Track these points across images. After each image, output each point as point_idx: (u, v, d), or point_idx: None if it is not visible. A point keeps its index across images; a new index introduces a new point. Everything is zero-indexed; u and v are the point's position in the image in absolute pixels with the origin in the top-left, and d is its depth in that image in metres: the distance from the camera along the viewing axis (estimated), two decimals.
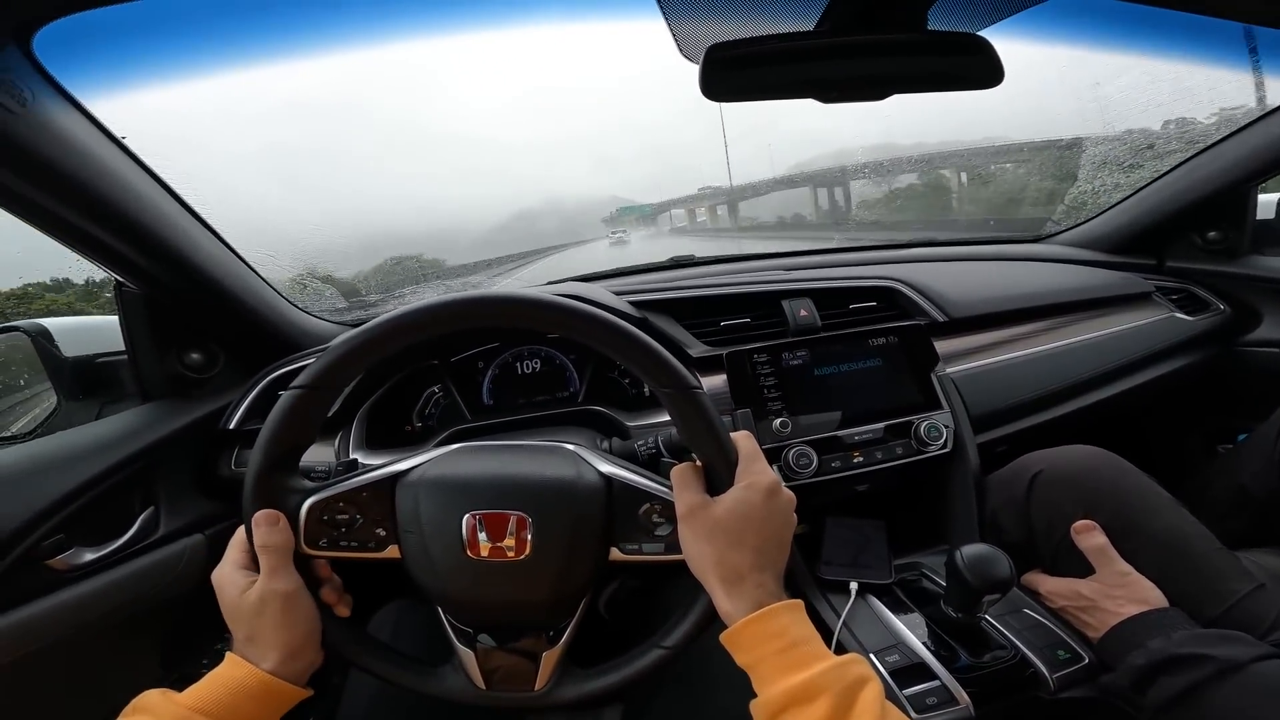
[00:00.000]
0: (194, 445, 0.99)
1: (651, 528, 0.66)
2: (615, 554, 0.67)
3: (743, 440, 0.65)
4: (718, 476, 0.63)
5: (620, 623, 1.12)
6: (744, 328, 1.16)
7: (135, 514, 0.91)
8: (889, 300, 1.25)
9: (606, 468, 0.68)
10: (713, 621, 0.62)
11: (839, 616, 0.90)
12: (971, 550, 0.78)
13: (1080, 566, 0.88)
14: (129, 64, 0.77)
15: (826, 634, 0.88)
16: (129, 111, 0.80)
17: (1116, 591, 0.83)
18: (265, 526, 0.64)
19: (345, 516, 0.66)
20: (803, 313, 1.16)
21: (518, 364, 1.16)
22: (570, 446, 0.71)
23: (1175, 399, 1.49)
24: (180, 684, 0.61)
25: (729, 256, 1.52)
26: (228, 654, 0.63)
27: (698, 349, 1.11)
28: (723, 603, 0.60)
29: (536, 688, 0.69)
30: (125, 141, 0.80)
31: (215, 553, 0.67)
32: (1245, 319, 1.48)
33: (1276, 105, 1.28)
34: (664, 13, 0.85)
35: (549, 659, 0.69)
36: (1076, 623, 0.86)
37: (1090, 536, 0.88)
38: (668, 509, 0.65)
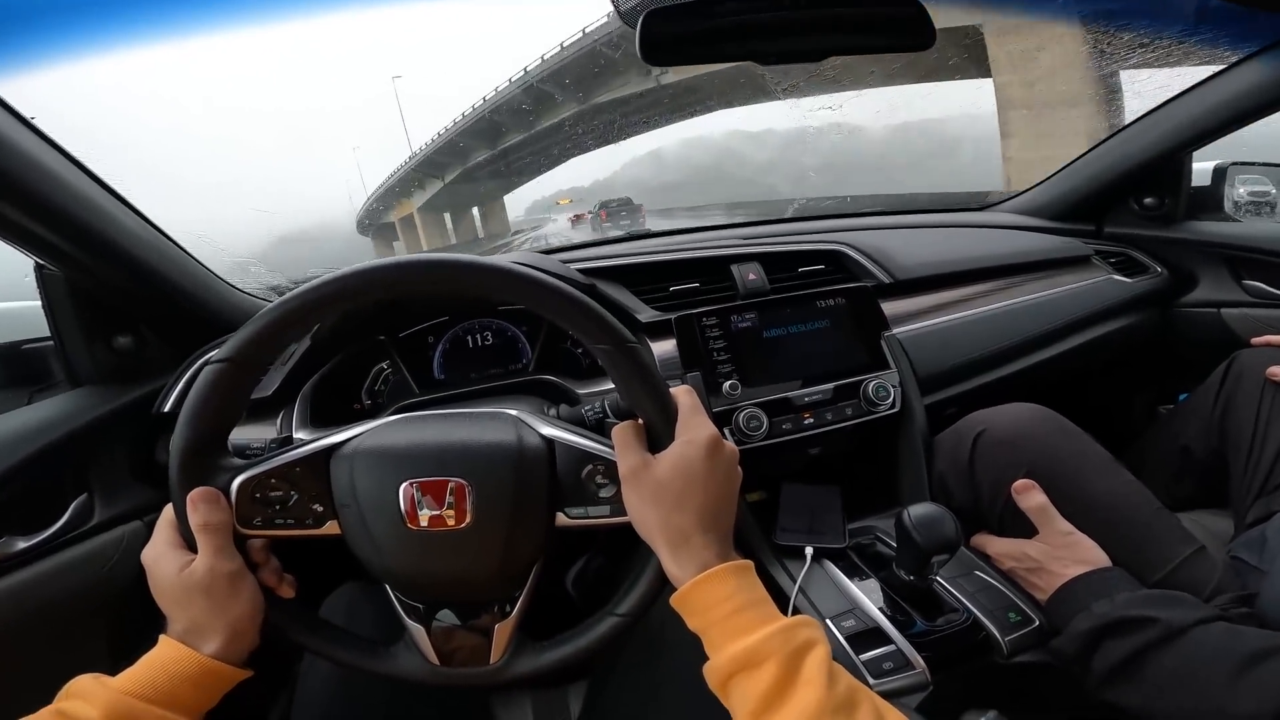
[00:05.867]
0: (127, 431, 0.96)
1: (596, 490, 0.65)
2: (562, 519, 0.65)
3: (682, 395, 0.64)
4: (658, 433, 0.62)
5: (588, 600, 1.12)
6: (693, 293, 1.16)
7: (68, 501, 0.88)
8: (836, 263, 1.26)
9: (548, 430, 0.66)
10: (665, 585, 0.61)
11: (795, 582, 0.91)
12: (918, 510, 0.79)
13: (1026, 527, 0.89)
14: (33, 42, 0.75)
15: (783, 600, 0.89)
16: (37, 90, 0.77)
17: (1061, 552, 0.84)
18: (205, 504, 0.61)
19: (279, 493, 0.64)
20: (751, 276, 1.16)
21: (469, 337, 1.14)
22: (511, 411, 0.69)
23: (1117, 361, 1.53)
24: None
25: (684, 229, 1.52)
26: (162, 637, 0.60)
27: (647, 314, 1.11)
28: (670, 565, 0.59)
29: (491, 662, 0.68)
30: (34, 121, 0.77)
31: None
32: (1182, 282, 1.52)
33: (1208, 75, 1.31)
34: None
35: (502, 632, 0.68)
36: (1025, 584, 0.87)
37: (1030, 496, 0.88)
38: (611, 469, 0.63)
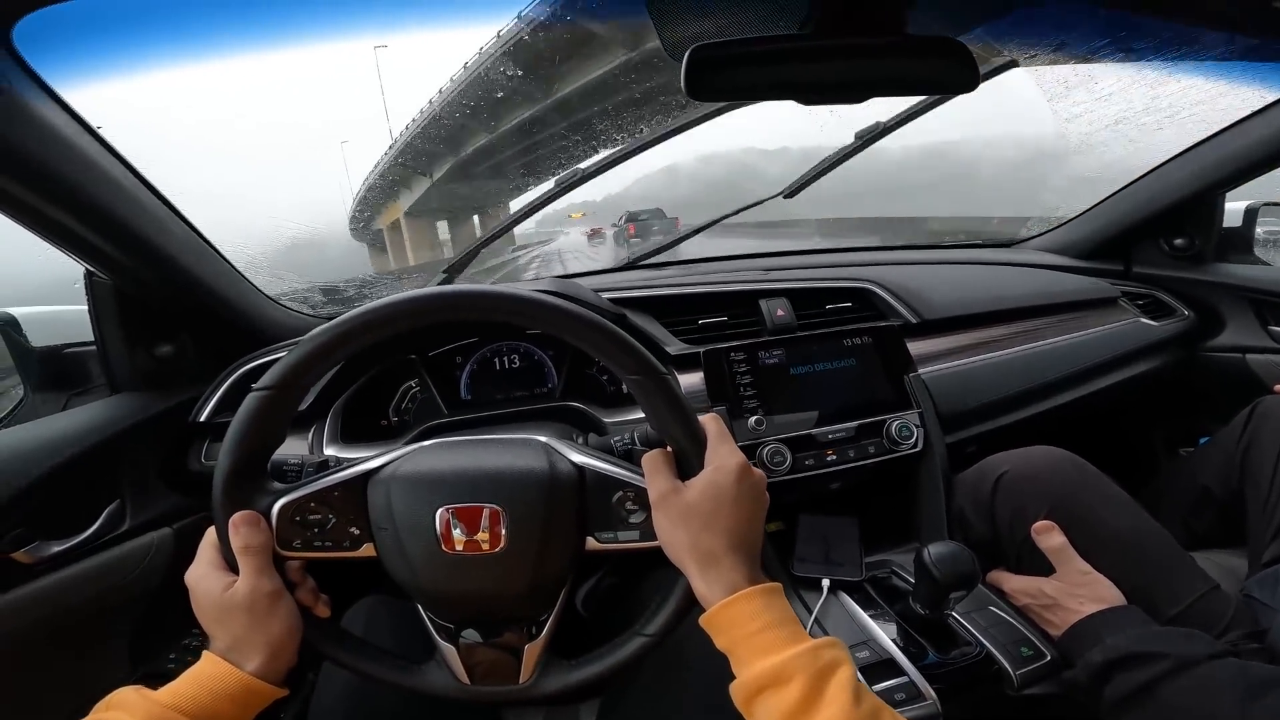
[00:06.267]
0: (162, 438, 0.97)
1: (626, 515, 0.66)
2: (591, 543, 0.67)
3: (710, 423, 0.65)
4: (687, 460, 0.64)
5: (598, 619, 1.13)
6: (721, 326, 1.17)
7: (101, 507, 0.89)
8: (864, 301, 1.27)
9: (578, 458, 0.68)
10: (693, 606, 0.62)
11: (811, 613, 0.92)
12: (938, 548, 0.80)
13: (1043, 565, 0.91)
14: (107, 54, 0.77)
15: None
16: (105, 101, 0.79)
17: (1077, 590, 0.85)
18: (246, 527, 0.63)
19: (318, 517, 0.66)
20: (779, 312, 1.17)
21: (496, 359, 1.15)
22: (541, 438, 0.71)
23: (1139, 402, 1.53)
24: (148, 680, 0.60)
25: (709, 257, 1.53)
26: (205, 653, 0.62)
27: (675, 346, 1.12)
28: (699, 586, 0.60)
29: (521, 681, 0.69)
30: (100, 131, 0.79)
31: (183, 547, 0.67)
32: (1209, 324, 1.51)
33: (1246, 114, 1.31)
34: (649, 12, 0.85)
35: (531, 651, 0.69)
36: (1039, 620, 0.88)
37: (1050, 536, 0.90)
38: (641, 496, 0.65)
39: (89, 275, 0.92)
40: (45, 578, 0.82)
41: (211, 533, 0.66)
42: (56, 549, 0.83)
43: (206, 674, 0.60)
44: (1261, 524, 0.97)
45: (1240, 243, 1.56)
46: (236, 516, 0.63)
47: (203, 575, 0.64)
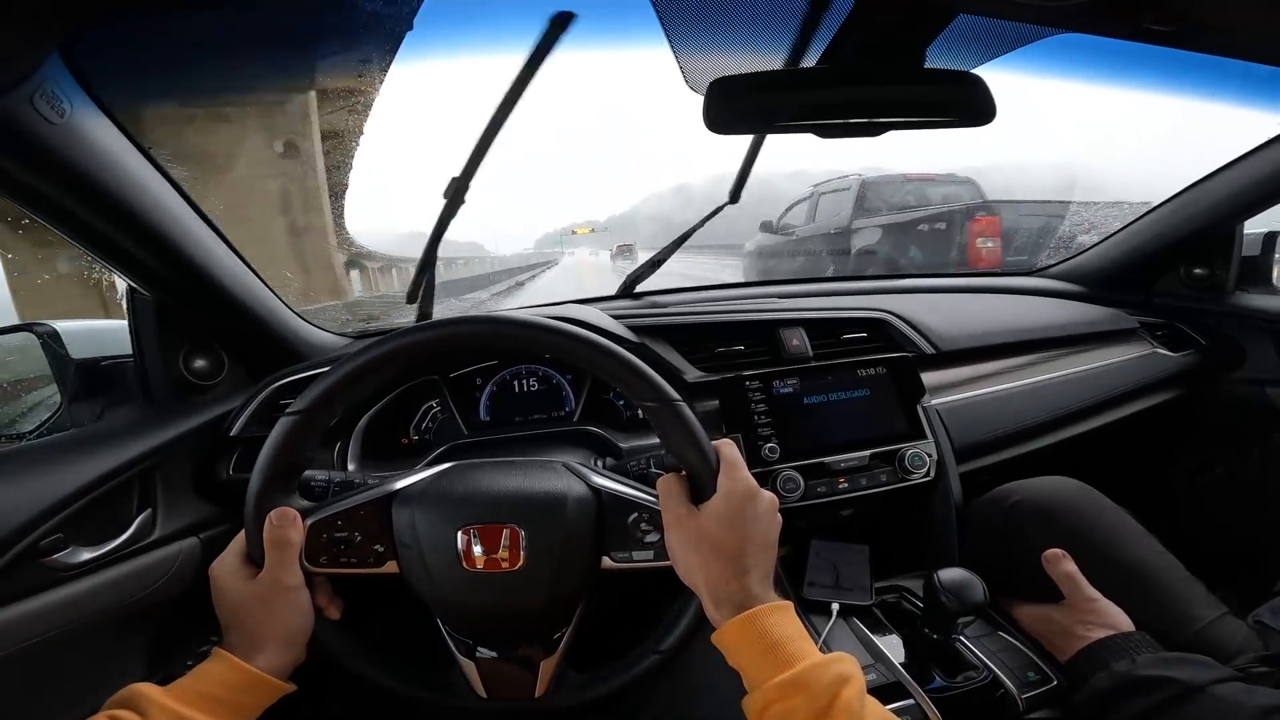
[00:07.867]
0: (195, 450, 1.00)
1: (640, 536, 0.69)
2: (606, 563, 0.69)
3: (724, 448, 0.67)
4: (700, 485, 0.66)
5: (613, 635, 1.14)
6: (738, 355, 1.18)
7: (133, 515, 0.91)
8: (879, 331, 1.27)
9: (595, 481, 0.71)
10: (703, 624, 0.64)
11: (820, 636, 0.93)
12: (949, 574, 0.82)
13: (1052, 592, 0.91)
14: (160, 75, 0.79)
15: None
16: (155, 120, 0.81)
17: (1085, 617, 0.87)
18: (284, 522, 0.66)
19: (344, 534, 0.69)
20: (795, 342, 1.18)
21: (515, 382, 1.17)
22: (560, 461, 0.74)
23: (1157, 433, 1.51)
24: (164, 684, 0.62)
25: (726, 284, 1.54)
26: (215, 650, 0.65)
27: (692, 374, 1.13)
28: (710, 608, 0.62)
29: (536, 694, 0.72)
30: (152, 152, 0.82)
31: (209, 557, 0.69)
32: (1228, 356, 1.50)
33: (1264, 141, 1.30)
34: (671, 45, 0.88)
35: (547, 666, 0.72)
36: (1047, 645, 0.89)
37: (1060, 564, 0.91)
38: (655, 518, 0.67)
39: (130, 291, 0.95)
40: (77, 582, 0.84)
41: (242, 535, 0.69)
42: (88, 555, 0.85)
43: (216, 669, 0.63)
44: (1273, 553, 0.98)
45: (1261, 271, 1.54)
46: (277, 510, 0.66)
47: (226, 567, 0.68)
